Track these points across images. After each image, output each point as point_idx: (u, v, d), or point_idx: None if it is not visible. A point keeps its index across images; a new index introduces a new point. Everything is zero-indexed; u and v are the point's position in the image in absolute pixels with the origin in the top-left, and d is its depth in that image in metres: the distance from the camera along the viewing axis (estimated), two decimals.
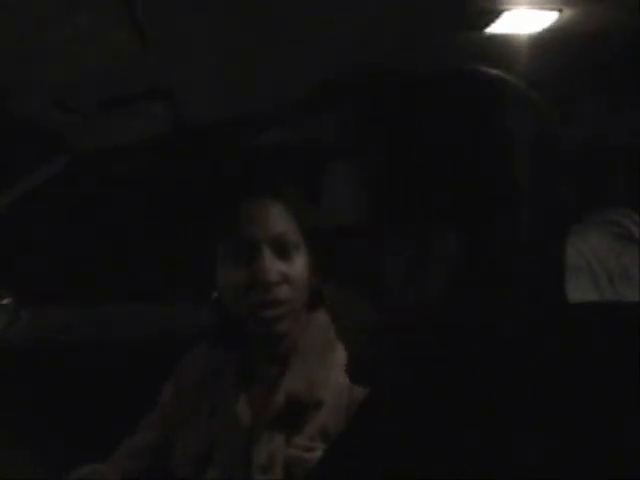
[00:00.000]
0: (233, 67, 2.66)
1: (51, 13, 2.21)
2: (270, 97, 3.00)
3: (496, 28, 2.93)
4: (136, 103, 2.80)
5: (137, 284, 3.54)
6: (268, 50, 2.62)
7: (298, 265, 1.52)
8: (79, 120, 2.85)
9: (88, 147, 3.18)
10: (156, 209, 3.45)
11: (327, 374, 1.52)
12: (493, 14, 2.76)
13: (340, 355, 1.49)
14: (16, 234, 3.59)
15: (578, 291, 1.37)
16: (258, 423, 1.53)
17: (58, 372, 3.25)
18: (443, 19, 2.72)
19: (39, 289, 3.61)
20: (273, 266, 1.48)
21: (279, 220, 1.52)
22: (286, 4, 2.36)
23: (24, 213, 3.51)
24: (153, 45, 2.30)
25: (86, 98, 2.73)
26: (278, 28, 2.49)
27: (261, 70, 2.77)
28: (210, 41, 2.48)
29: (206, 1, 2.23)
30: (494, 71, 0.88)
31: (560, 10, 2.79)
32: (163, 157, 3.29)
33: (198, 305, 1.76)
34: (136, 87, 2.67)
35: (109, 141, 3.18)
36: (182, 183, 3.08)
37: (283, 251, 1.51)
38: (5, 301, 3.39)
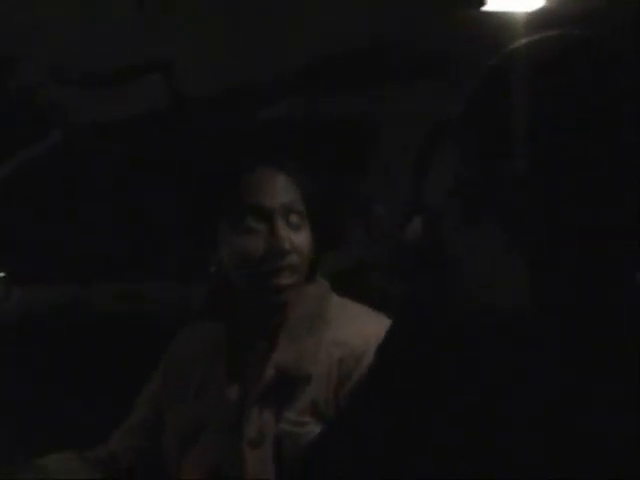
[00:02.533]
0: (234, 37, 2.67)
1: None
2: (270, 68, 3.01)
3: (492, 6, 2.95)
4: (135, 76, 2.80)
5: (132, 261, 3.55)
6: (269, 21, 2.63)
7: (304, 235, 1.53)
8: (77, 93, 2.85)
9: (85, 121, 3.18)
10: (154, 183, 3.45)
11: (317, 348, 1.52)
12: None
13: (332, 329, 1.53)
14: (10, 209, 3.59)
15: None
16: (248, 397, 1.53)
17: (47, 348, 3.26)
18: None
19: (31, 266, 3.61)
20: (286, 234, 1.50)
21: (287, 190, 1.53)
22: None
23: (18, 187, 3.51)
24: (153, 20, 2.30)
25: (84, 70, 2.73)
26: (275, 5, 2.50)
27: (262, 40, 2.78)
28: (210, 11, 2.48)
29: None
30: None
31: None
32: (162, 130, 3.29)
33: (195, 283, 1.77)
34: (135, 60, 2.68)
35: (107, 115, 3.18)
36: (183, 155, 3.08)
37: (291, 220, 1.52)
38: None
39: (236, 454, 1.49)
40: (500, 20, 2.99)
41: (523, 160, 0.79)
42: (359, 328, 1.53)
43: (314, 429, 1.44)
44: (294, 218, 1.52)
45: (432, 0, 2.77)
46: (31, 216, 3.64)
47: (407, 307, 0.92)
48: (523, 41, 0.87)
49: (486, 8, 2.95)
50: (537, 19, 2.95)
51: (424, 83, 3.22)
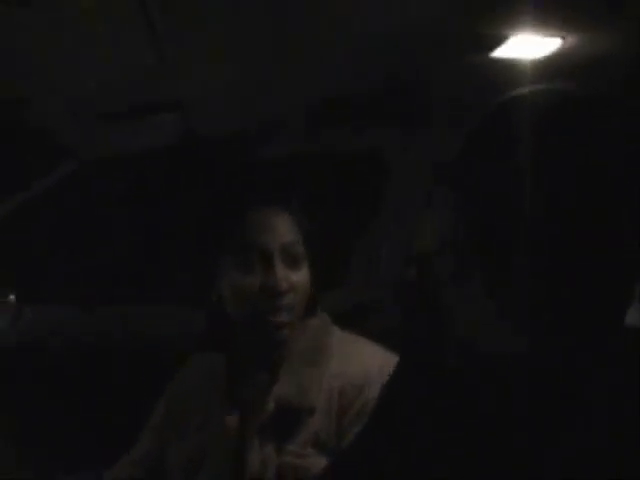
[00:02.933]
0: (246, 81, 2.72)
1: (70, 24, 2.27)
2: (279, 111, 3.06)
3: (501, 52, 3.00)
4: (148, 114, 2.86)
5: (139, 288, 3.58)
6: (280, 65, 2.68)
7: (303, 274, 1.55)
8: (92, 131, 2.91)
9: (97, 155, 3.24)
10: (160, 217, 3.49)
11: (319, 379, 1.53)
12: (498, 39, 2.84)
13: (333, 362, 1.54)
14: (22, 235, 3.64)
15: None
16: (248, 430, 1.53)
17: (56, 372, 3.27)
18: (450, 42, 2.79)
19: (41, 289, 3.65)
20: (283, 275, 1.52)
21: (288, 230, 1.56)
22: (298, 23, 2.42)
23: (31, 215, 3.57)
24: (170, 60, 2.36)
25: (100, 108, 2.79)
26: (291, 44, 2.55)
27: (272, 84, 2.83)
28: (224, 56, 2.54)
29: (222, 16, 2.29)
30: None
31: (563, 37, 2.87)
32: (171, 167, 3.34)
33: (196, 310, 1.80)
34: (150, 99, 2.74)
35: (119, 149, 3.24)
36: (188, 193, 3.13)
37: (291, 260, 1.54)
38: (9, 298, 3.41)
39: None
40: (508, 67, 3.05)
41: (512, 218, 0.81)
42: (360, 359, 1.54)
43: (316, 461, 1.46)
44: (293, 257, 1.54)
45: (444, 46, 2.82)
46: (43, 242, 3.69)
47: (405, 348, 0.95)
48: (521, 90, 0.89)
49: (495, 54, 3.00)
50: (543, 67, 3.01)
51: (437, 129, 3.26)
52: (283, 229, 1.55)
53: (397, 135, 3.27)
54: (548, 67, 3.02)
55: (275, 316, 1.51)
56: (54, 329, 3.46)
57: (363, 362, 1.53)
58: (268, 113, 3.08)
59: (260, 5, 2.28)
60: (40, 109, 2.76)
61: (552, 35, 2.85)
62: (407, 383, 0.94)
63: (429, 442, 0.83)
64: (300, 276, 1.54)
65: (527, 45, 2.93)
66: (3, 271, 3.57)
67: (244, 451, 1.52)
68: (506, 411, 0.81)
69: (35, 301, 3.54)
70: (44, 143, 3.11)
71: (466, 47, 2.89)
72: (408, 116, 3.22)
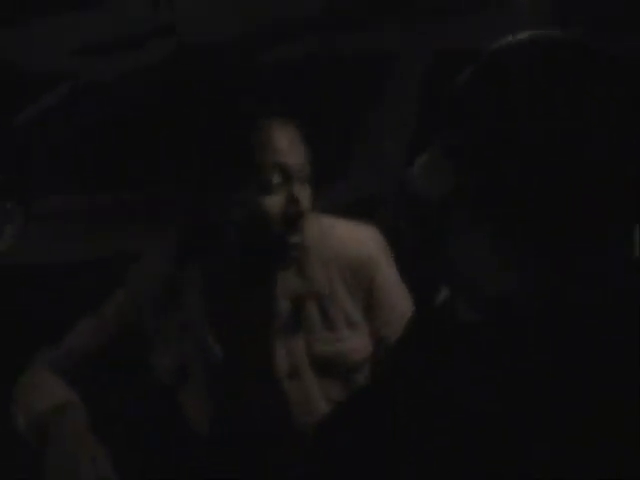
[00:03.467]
0: None
1: None
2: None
3: None
4: (144, 41, 2.85)
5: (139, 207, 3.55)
6: None
7: (309, 190, 1.55)
8: (93, 61, 2.92)
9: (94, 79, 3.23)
10: (160, 136, 3.46)
11: (320, 268, 1.57)
12: None
13: (329, 247, 1.58)
14: (24, 153, 3.61)
15: None
16: (264, 335, 1.56)
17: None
18: None
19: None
20: (302, 195, 1.52)
21: (300, 148, 1.54)
22: None
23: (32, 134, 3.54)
24: None
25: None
26: None
27: None
28: None
29: None
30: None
31: None
32: (168, 80, 3.31)
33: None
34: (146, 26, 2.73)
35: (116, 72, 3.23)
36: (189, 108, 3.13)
37: (303, 179, 1.53)
38: (8, 205, 3.30)
39: (274, 391, 1.55)
40: None
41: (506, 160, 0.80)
42: (354, 237, 1.61)
43: (351, 342, 1.55)
44: (305, 176, 1.53)
45: None
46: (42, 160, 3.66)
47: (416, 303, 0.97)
48: (510, 39, 0.87)
49: None
50: None
51: (453, 18, 3.22)
52: (297, 148, 1.53)
53: (398, 32, 3.23)
54: None
55: (292, 237, 1.51)
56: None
57: (356, 240, 1.60)
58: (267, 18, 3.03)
59: None
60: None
61: None
62: (419, 336, 0.94)
63: (444, 394, 0.83)
64: (308, 192, 1.54)
65: None
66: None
67: (268, 355, 1.56)
68: (522, 358, 0.80)
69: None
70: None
71: None
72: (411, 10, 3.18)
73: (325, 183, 1.64)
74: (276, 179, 1.49)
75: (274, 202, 1.49)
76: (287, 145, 1.51)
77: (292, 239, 1.51)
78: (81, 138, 3.50)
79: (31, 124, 3.52)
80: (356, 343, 1.58)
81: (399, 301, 1.63)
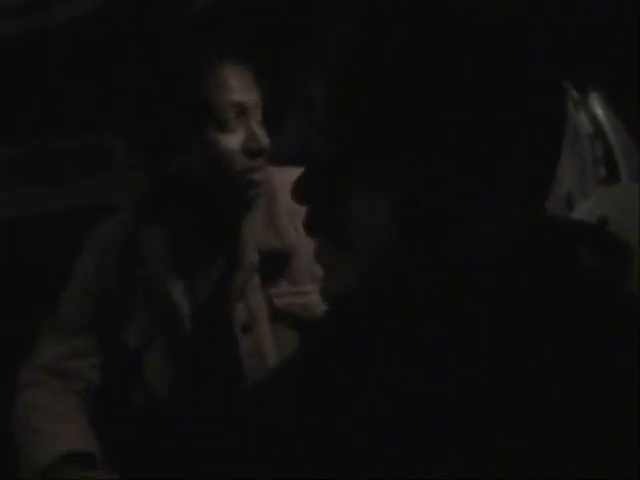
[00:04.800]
0: None
1: None
2: None
3: None
4: None
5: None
6: None
7: (264, 130, 1.55)
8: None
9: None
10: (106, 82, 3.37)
11: (283, 219, 1.57)
12: None
13: (284, 198, 1.53)
14: None
15: None
16: (228, 286, 1.56)
17: None
18: None
19: None
20: (261, 132, 1.53)
21: (254, 86, 1.54)
22: None
23: None
24: None
25: None
26: None
27: None
28: None
29: None
30: None
31: None
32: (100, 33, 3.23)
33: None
34: None
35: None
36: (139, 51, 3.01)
37: (259, 116, 1.54)
38: None
39: (228, 340, 1.54)
40: None
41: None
42: None
43: (315, 297, 1.44)
44: (259, 113, 1.54)
45: None
46: None
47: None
48: None
49: None
50: None
51: None
52: (253, 84, 1.54)
53: None
54: None
55: (253, 174, 1.52)
56: None
57: None
58: None
59: None
60: None
61: None
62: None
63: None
64: (264, 133, 1.55)
65: None
66: None
67: (228, 306, 1.55)
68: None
69: None
70: None
71: None
72: None
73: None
74: (232, 116, 1.49)
75: (233, 139, 1.50)
76: (240, 83, 1.51)
77: (255, 176, 1.52)
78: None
79: None
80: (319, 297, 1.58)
81: None
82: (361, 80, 0.73)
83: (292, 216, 1.54)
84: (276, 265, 1.56)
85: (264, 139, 1.51)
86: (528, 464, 0.66)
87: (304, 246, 1.53)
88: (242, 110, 1.50)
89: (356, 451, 0.75)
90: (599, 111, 1.95)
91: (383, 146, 0.72)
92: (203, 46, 1.56)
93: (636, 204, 1.54)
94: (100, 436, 1.59)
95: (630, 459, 0.65)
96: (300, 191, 0.79)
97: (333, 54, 0.77)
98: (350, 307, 0.81)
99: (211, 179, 1.53)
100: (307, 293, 1.55)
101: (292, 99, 3.25)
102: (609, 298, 0.74)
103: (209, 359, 1.56)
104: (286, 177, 1.52)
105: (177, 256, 1.59)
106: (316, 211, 0.78)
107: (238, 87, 1.51)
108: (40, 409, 1.59)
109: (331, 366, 0.82)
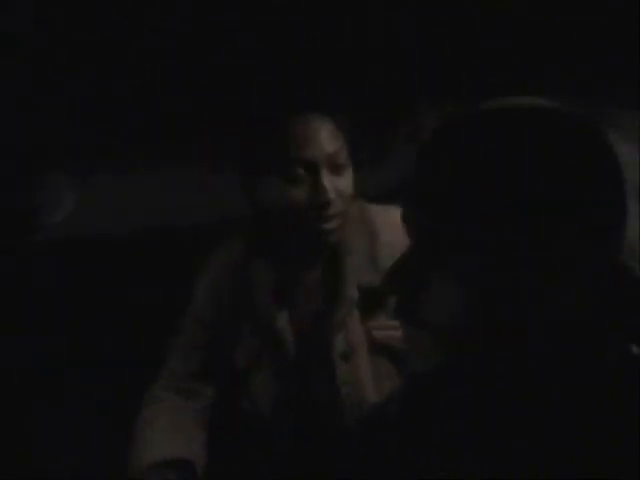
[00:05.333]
0: None
1: None
2: None
3: None
4: None
5: None
6: None
7: (347, 177, 1.57)
8: None
9: None
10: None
11: (377, 256, 1.59)
12: None
13: (382, 235, 1.60)
14: None
15: None
16: (329, 317, 1.58)
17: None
18: None
19: None
20: (331, 185, 1.53)
21: (332, 137, 1.54)
22: None
23: None
24: None
25: None
26: None
27: None
28: None
29: None
30: None
31: None
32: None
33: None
34: None
35: None
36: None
37: (336, 167, 1.55)
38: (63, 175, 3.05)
39: (327, 367, 1.58)
40: None
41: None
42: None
43: None
44: (338, 165, 1.55)
45: None
46: None
47: None
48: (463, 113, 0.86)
49: None
50: None
51: None
52: (327, 138, 1.53)
53: None
54: None
55: (324, 223, 1.54)
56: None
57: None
58: None
59: None
60: None
61: None
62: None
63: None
64: (344, 181, 1.56)
65: None
66: None
67: (328, 336, 1.59)
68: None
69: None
70: None
71: None
72: None
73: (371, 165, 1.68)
74: (300, 172, 1.52)
75: (299, 192, 1.52)
76: (312, 136, 1.52)
77: (325, 226, 1.55)
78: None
79: None
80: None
81: None
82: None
83: (392, 253, 1.61)
84: (375, 301, 1.60)
85: (330, 193, 1.53)
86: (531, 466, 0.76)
87: None
88: (310, 166, 1.53)
89: None
90: None
91: (473, 245, 0.80)
92: (274, 100, 1.61)
93: None
94: (211, 449, 1.70)
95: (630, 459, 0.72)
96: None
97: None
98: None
99: (284, 229, 1.61)
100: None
101: (395, 131, 3.30)
102: None
103: (309, 383, 1.63)
104: (386, 216, 1.64)
105: (281, 287, 1.65)
106: (404, 298, 0.86)
107: (307, 142, 1.52)
108: (155, 421, 1.70)
109: (426, 418, 0.88)
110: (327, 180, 1.52)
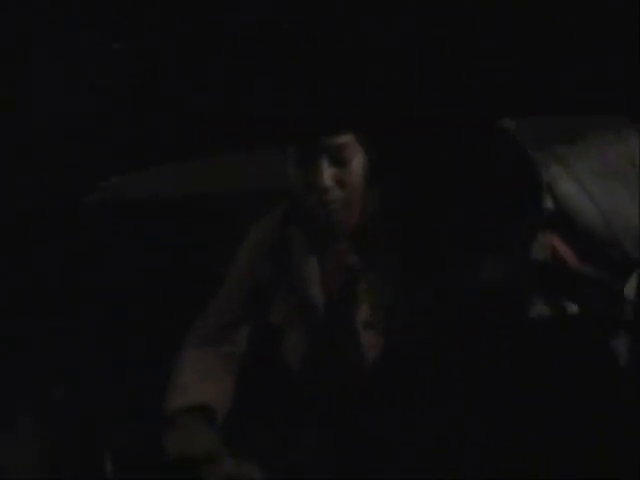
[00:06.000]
0: None
1: None
2: None
3: None
4: None
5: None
6: None
7: (354, 168, 1.76)
8: None
9: None
10: None
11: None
12: None
13: None
14: None
15: None
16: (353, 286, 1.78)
17: None
18: None
19: None
20: (328, 172, 1.73)
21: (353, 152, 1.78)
22: None
23: None
24: None
25: None
26: None
27: None
28: None
29: None
30: None
31: None
32: None
33: None
34: None
35: None
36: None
37: (338, 160, 1.74)
38: None
39: (351, 335, 1.78)
40: None
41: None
42: None
43: None
44: (344, 156, 1.75)
45: None
46: None
47: None
48: None
49: None
50: None
51: None
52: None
53: None
54: None
55: (323, 207, 1.76)
56: None
57: None
58: None
59: None
60: None
61: None
62: None
63: None
64: (349, 171, 1.76)
65: None
66: None
67: (352, 304, 1.80)
68: None
69: None
70: None
71: None
72: None
73: None
74: (300, 156, 1.77)
75: (300, 175, 1.79)
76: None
77: (323, 208, 1.76)
78: None
79: None
80: None
81: None
82: None
83: None
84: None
85: (326, 179, 1.74)
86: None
87: None
88: (310, 153, 1.74)
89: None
90: None
91: None
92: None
93: None
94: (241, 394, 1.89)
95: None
96: None
97: None
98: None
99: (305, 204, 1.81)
100: None
101: None
102: None
103: (336, 344, 1.81)
104: None
105: (317, 255, 1.84)
106: None
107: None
108: (185, 368, 1.88)
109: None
110: (325, 168, 1.71)
